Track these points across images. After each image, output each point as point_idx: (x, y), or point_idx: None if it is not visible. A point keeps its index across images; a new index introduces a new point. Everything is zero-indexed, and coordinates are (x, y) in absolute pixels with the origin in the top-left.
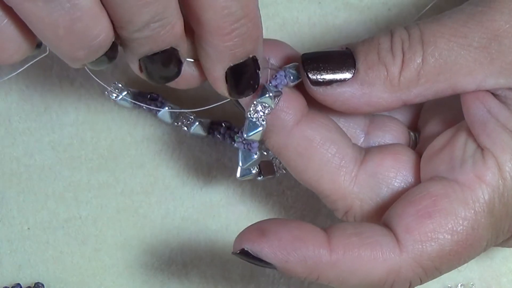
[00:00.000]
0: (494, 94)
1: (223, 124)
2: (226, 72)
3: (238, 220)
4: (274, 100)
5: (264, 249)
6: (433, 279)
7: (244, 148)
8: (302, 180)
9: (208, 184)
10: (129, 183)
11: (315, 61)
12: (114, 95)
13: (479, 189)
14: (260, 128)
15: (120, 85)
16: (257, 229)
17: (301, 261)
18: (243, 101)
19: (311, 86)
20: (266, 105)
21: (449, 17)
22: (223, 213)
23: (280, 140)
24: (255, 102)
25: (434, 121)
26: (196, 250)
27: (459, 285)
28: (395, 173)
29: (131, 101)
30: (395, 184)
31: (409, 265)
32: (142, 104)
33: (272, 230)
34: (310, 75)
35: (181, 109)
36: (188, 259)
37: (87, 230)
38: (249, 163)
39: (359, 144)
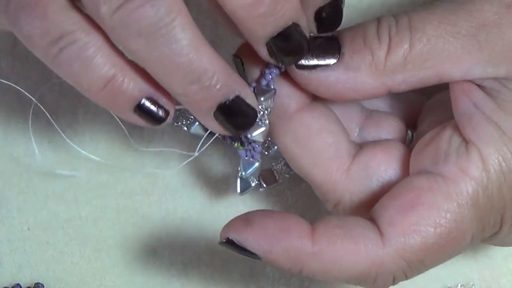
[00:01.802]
0: (480, 86)
1: None
2: (269, 43)
3: None
4: (271, 99)
5: (249, 238)
6: (418, 273)
7: (247, 154)
8: (296, 168)
9: (208, 184)
10: (129, 183)
11: (300, 43)
12: None
13: (462, 182)
14: (263, 128)
15: None
16: (243, 219)
17: (284, 252)
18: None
19: (296, 70)
20: (266, 106)
21: (438, 6)
22: (223, 213)
23: (279, 124)
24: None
25: (430, 119)
26: (196, 250)
27: (459, 285)
28: (385, 167)
29: None
30: (385, 178)
31: (391, 258)
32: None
33: (257, 221)
34: (293, 55)
35: (181, 109)
36: (188, 259)
37: (87, 230)
38: (250, 171)
39: (353, 138)
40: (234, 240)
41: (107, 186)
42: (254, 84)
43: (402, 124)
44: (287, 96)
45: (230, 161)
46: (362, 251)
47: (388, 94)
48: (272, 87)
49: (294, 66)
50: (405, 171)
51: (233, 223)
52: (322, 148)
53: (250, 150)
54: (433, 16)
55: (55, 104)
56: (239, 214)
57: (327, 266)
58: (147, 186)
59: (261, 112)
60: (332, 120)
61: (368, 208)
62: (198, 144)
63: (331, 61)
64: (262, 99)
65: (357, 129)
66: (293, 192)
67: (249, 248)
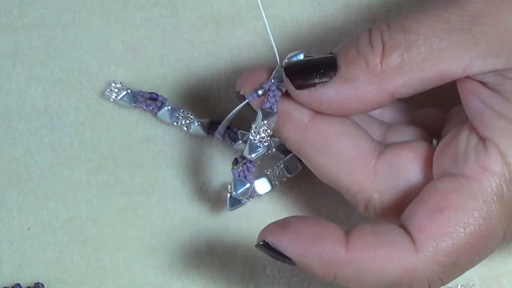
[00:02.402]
0: (483, 83)
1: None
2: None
3: (238, 220)
4: (273, 123)
5: (284, 242)
6: (454, 277)
7: (240, 174)
8: (322, 177)
9: (208, 184)
10: (129, 183)
11: (297, 68)
12: (114, 95)
13: (485, 179)
14: (262, 150)
15: (119, 85)
16: (280, 224)
17: (318, 257)
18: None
19: (295, 91)
20: (265, 128)
21: (429, 6)
22: (223, 213)
23: (297, 137)
24: (254, 127)
25: (453, 125)
26: (196, 250)
27: (459, 285)
28: (411, 165)
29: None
30: (413, 177)
31: (425, 264)
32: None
33: (293, 225)
34: (293, 80)
35: (181, 109)
36: (188, 259)
37: (87, 230)
38: (240, 191)
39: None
40: (270, 243)
41: (107, 186)
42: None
43: (425, 132)
44: (298, 107)
45: (230, 161)
46: (395, 258)
47: (409, 110)
48: (275, 110)
49: (293, 87)
50: (431, 169)
51: (270, 227)
52: (343, 151)
53: (244, 170)
54: (426, 16)
55: (56, 103)
56: (239, 214)
57: (360, 273)
58: (147, 186)
59: (262, 135)
60: (347, 122)
61: (398, 208)
62: (198, 144)
63: (329, 76)
64: (265, 122)
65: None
66: (293, 193)
67: (283, 251)
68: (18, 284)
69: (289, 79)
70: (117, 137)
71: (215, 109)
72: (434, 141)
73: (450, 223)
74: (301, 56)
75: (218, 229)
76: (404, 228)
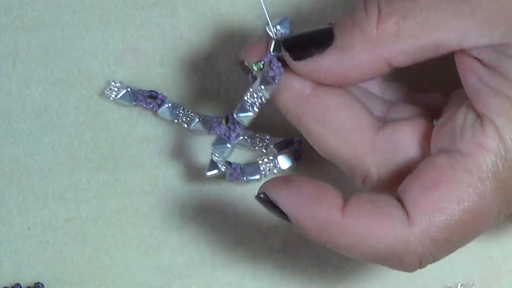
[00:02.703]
0: (479, 60)
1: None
2: None
3: (238, 220)
4: (270, 92)
5: (282, 197)
6: (447, 253)
7: (225, 133)
8: (321, 149)
9: (208, 184)
10: (129, 183)
11: (295, 40)
12: (114, 93)
13: (480, 156)
14: (251, 114)
15: (119, 84)
16: (283, 179)
17: (313, 217)
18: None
19: (293, 62)
20: (261, 95)
21: None
22: (223, 213)
23: (298, 108)
24: (251, 89)
25: (453, 105)
26: (196, 250)
27: (459, 285)
28: (411, 141)
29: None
30: (411, 152)
31: (417, 238)
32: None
33: (295, 183)
34: (291, 51)
35: (181, 106)
36: (188, 259)
37: (87, 230)
38: (220, 148)
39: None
40: (269, 196)
41: (107, 186)
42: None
43: (427, 112)
44: (299, 78)
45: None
46: (389, 230)
47: (410, 92)
48: (276, 80)
49: (290, 58)
50: (430, 146)
51: (272, 181)
52: (343, 123)
53: (231, 129)
54: None
55: (56, 103)
56: (238, 214)
57: (352, 241)
58: (147, 186)
59: (256, 100)
60: (349, 96)
61: (395, 182)
62: (198, 144)
63: (326, 46)
64: (263, 87)
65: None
66: None
67: (280, 205)
68: (18, 284)
69: (288, 51)
70: (117, 137)
71: (215, 108)
72: (435, 122)
73: (444, 198)
74: (286, 22)
75: (218, 229)
76: (400, 201)
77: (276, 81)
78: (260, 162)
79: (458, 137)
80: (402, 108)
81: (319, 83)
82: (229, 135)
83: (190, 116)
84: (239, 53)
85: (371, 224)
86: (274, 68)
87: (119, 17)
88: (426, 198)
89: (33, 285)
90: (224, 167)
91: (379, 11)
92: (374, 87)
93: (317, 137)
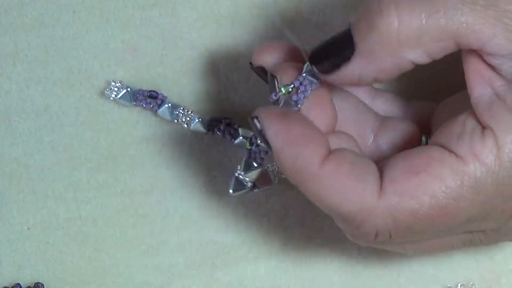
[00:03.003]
0: (497, 70)
1: (222, 121)
2: None
3: (238, 220)
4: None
5: (272, 129)
6: (404, 238)
7: (252, 155)
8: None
9: (208, 184)
10: (129, 183)
11: (319, 52)
12: (114, 93)
13: (472, 165)
14: (257, 170)
15: (119, 84)
16: (280, 111)
17: (293, 158)
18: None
19: (325, 77)
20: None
21: None
22: (223, 213)
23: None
24: (255, 137)
25: (444, 120)
26: (196, 250)
27: (459, 285)
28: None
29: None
30: None
31: (381, 211)
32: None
33: (289, 119)
34: (318, 66)
35: (181, 106)
36: (188, 259)
37: (87, 230)
38: (249, 173)
39: (368, 144)
40: (259, 118)
41: (107, 186)
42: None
43: (417, 128)
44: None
45: (230, 160)
46: (358, 193)
47: (401, 102)
48: (299, 105)
49: (321, 75)
50: None
51: (269, 110)
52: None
53: (257, 152)
54: None
55: (56, 103)
56: (239, 214)
57: (322, 192)
58: (147, 186)
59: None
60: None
61: None
62: (198, 141)
63: (349, 54)
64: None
65: (372, 136)
66: (293, 192)
67: (267, 136)
68: (18, 284)
69: (316, 66)
70: (117, 137)
71: (215, 108)
72: (423, 138)
73: (421, 187)
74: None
75: (218, 229)
76: (380, 171)
77: (299, 105)
78: (268, 167)
79: (455, 140)
80: (394, 125)
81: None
82: (256, 157)
83: (190, 116)
84: (260, 58)
85: (343, 183)
86: (299, 93)
87: (119, 17)
88: (404, 181)
89: (33, 285)
90: (250, 184)
91: (399, 12)
92: (365, 95)
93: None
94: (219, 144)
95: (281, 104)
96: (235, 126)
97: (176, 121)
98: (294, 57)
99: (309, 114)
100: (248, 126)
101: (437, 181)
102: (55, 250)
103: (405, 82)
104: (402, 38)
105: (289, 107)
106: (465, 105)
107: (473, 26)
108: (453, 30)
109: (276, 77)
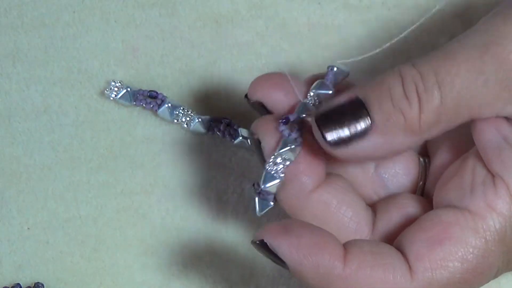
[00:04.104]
0: (508, 118)
1: (222, 121)
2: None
3: (238, 220)
4: (296, 151)
5: (283, 246)
6: None
7: (260, 198)
8: None
9: (208, 184)
10: (129, 183)
11: (328, 120)
12: (114, 93)
13: (490, 218)
14: (278, 181)
15: (119, 84)
16: (281, 226)
17: (315, 268)
18: (265, 147)
19: (330, 148)
20: (286, 157)
21: (460, 51)
22: (223, 213)
23: (297, 203)
24: (275, 154)
25: (444, 147)
26: (196, 250)
27: None
28: (403, 223)
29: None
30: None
31: None
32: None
33: (294, 230)
34: (327, 137)
35: (181, 106)
36: (188, 259)
37: (87, 230)
38: (266, 211)
39: (370, 175)
40: (268, 244)
41: (107, 186)
42: (286, 132)
43: (414, 153)
44: (303, 174)
45: (230, 160)
46: (391, 282)
47: None
48: (299, 142)
49: (328, 145)
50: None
51: (270, 228)
52: (342, 223)
53: (263, 195)
54: (458, 66)
55: (56, 103)
56: (238, 213)
57: None
58: (147, 186)
59: (281, 165)
60: (348, 191)
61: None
62: (198, 141)
63: (362, 127)
64: (286, 148)
65: (373, 166)
66: None
67: (280, 255)
68: (18, 284)
69: (321, 132)
70: (117, 137)
71: (215, 108)
72: (421, 160)
73: (449, 256)
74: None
75: (218, 229)
76: (401, 252)
77: (299, 142)
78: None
79: (468, 194)
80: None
81: (322, 177)
82: (266, 199)
83: (190, 116)
84: (256, 93)
85: (373, 277)
86: (295, 131)
87: (119, 17)
88: (430, 253)
89: (33, 285)
90: (273, 201)
91: (419, 99)
92: None
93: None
94: (219, 144)
95: (282, 145)
96: (235, 126)
97: (176, 121)
98: (288, 89)
99: (295, 173)
100: (248, 126)
101: (462, 244)
102: (55, 250)
103: None
104: (422, 123)
105: (290, 145)
106: (461, 132)
107: (485, 101)
108: (467, 106)
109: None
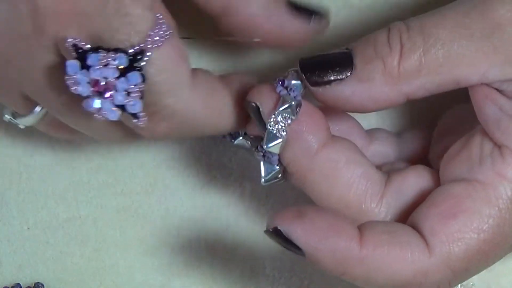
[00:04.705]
0: (499, 91)
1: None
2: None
3: (238, 220)
4: (296, 109)
5: (297, 231)
6: (461, 282)
7: (265, 160)
8: (328, 205)
9: (208, 184)
10: (129, 183)
11: (312, 64)
12: None
13: (501, 186)
14: (280, 140)
15: None
16: (295, 211)
17: (331, 252)
18: (264, 110)
19: (311, 88)
20: (287, 115)
21: (449, 9)
22: (223, 213)
23: (305, 164)
24: (275, 113)
25: (447, 138)
26: (196, 250)
27: (459, 285)
28: (418, 190)
29: None
30: (419, 195)
31: (437, 267)
32: None
33: (308, 215)
34: (308, 77)
35: None
36: (188, 259)
37: (87, 230)
38: (271, 175)
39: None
40: (282, 231)
41: (107, 186)
42: (283, 92)
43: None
44: (308, 134)
45: (230, 160)
46: (409, 259)
47: (392, 137)
48: (299, 99)
49: (308, 84)
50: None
51: (283, 213)
52: (353, 181)
53: (268, 158)
54: (446, 21)
55: None
56: (239, 214)
57: (371, 272)
58: (147, 186)
59: (282, 124)
60: (356, 150)
61: (405, 218)
62: (198, 141)
63: (345, 74)
64: (284, 107)
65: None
66: (293, 193)
67: (296, 241)
68: (18, 284)
69: (305, 75)
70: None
71: None
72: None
73: (464, 228)
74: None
75: (218, 229)
76: (416, 229)
77: (299, 99)
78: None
79: (476, 166)
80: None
81: (328, 136)
82: (270, 162)
83: None
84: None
85: (390, 256)
86: (292, 92)
87: None
88: (446, 228)
89: (33, 285)
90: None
91: (402, 46)
92: (362, 142)
93: (324, 194)
94: (219, 144)
95: (281, 103)
96: None
97: None
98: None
99: (300, 132)
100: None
101: (476, 216)
102: (55, 250)
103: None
104: (402, 70)
105: (291, 101)
106: (462, 129)
107: (469, 57)
108: (450, 62)
109: (257, 104)
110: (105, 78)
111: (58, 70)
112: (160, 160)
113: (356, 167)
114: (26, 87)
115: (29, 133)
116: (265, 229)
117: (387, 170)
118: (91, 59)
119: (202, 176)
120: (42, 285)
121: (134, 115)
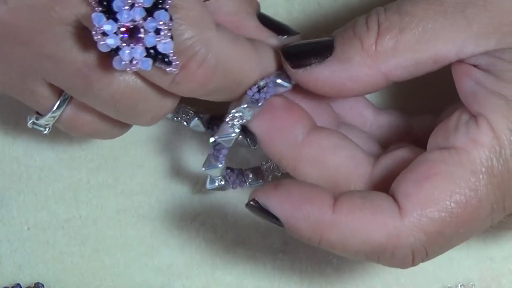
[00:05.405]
0: (476, 65)
1: (222, 119)
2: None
3: (238, 220)
4: (253, 112)
5: (273, 201)
6: (440, 249)
7: (213, 153)
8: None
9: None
10: (129, 183)
11: (295, 50)
12: None
13: (474, 151)
14: (233, 135)
15: None
16: (272, 184)
17: (305, 217)
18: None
19: (292, 70)
20: (242, 115)
21: None
22: (223, 213)
23: (293, 154)
24: (233, 111)
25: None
26: (196, 250)
27: (459, 285)
28: (407, 164)
29: None
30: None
31: (409, 229)
32: None
33: (284, 186)
34: (290, 61)
35: (181, 104)
36: (188, 259)
37: (87, 230)
38: (209, 169)
39: (368, 127)
40: (259, 202)
41: (107, 186)
42: (251, 93)
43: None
44: (293, 123)
45: (230, 161)
46: (380, 222)
47: (401, 116)
48: (259, 104)
49: (289, 66)
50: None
51: (262, 187)
52: (341, 163)
53: (217, 150)
54: (421, 1)
55: None
56: (238, 213)
57: (345, 236)
58: (147, 186)
59: (237, 119)
60: (342, 136)
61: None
62: (198, 140)
63: (325, 56)
64: (245, 106)
65: (372, 115)
66: None
67: (272, 210)
68: (18, 284)
69: (287, 59)
70: (117, 137)
71: (215, 107)
72: None
73: (436, 190)
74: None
75: (218, 229)
76: (393, 196)
77: (260, 104)
78: (263, 165)
79: (452, 134)
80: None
81: (312, 124)
82: (217, 155)
83: (189, 114)
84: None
85: (362, 219)
86: (261, 93)
87: None
88: (418, 190)
89: (33, 285)
90: (222, 182)
91: (379, 26)
92: (369, 111)
93: (315, 180)
94: None
95: (241, 102)
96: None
97: (176, 119)
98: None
99: (283, 127)
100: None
101: (449, 179)
102: (55, 250)
103: (407, 96)
104: (379, 49)
105: (251, 106)
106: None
107: (444, 32)
108: (426, 39)
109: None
110: (133, 21)
111: (80, 37)
112: (160, 160)
113: (344, 151)
114: (49, 70)
115: (29, 133)
116: (246, 203)
117: (391, 150)
118: (116, 3)
119: (202, 176)
120: (42, 285)
121: (167, 62)
